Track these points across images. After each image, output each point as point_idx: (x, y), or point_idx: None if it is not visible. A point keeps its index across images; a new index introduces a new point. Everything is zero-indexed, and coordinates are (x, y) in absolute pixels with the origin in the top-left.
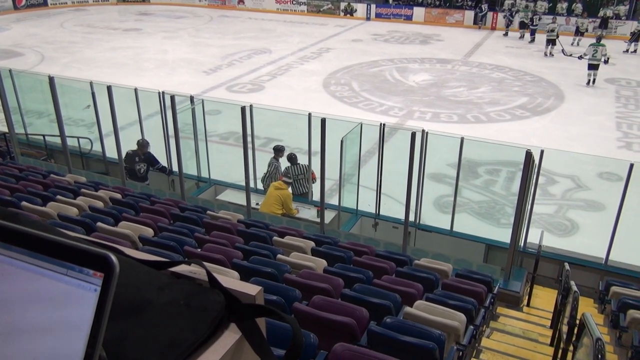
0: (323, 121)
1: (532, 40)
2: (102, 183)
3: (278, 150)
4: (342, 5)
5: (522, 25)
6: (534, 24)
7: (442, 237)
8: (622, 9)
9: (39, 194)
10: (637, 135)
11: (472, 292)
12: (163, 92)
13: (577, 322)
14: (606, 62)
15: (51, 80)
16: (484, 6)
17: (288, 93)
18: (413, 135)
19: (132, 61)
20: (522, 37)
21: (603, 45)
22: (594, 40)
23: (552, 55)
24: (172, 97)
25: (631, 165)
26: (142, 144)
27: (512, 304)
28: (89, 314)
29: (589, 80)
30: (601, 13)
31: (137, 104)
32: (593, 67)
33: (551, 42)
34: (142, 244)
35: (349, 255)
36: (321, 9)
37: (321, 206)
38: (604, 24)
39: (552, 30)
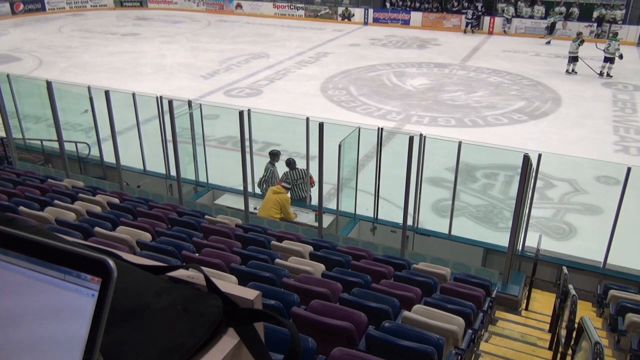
0: (321, 125)
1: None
2: (100, 188)
3: (274, 155)
4: (340, 9)
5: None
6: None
7: (440, 241)
8: (619, 13)
9: (36, 198)
10: (634, 139)
11: (471, 296)
12: (161, 97)
13: (576, 325)
14: (621, 57)
15: (49, 84)
16: (469, 12)
17: (286, 97)
18: (411, 139)
19: (130, 66)
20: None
21: (617, 40)
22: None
23: (576, 72)
24: (170, 102)
25: (628, 169)
26: None
27: (510, 307)
28: (87, 319)
29: (601, 72)
30: (596, 14)
31: (135, 109)
32: (607, 59)
33: (574, 59)
34: (140, 248)
35: (347, 260)
36: (319, 14)
37: (319, 210)
38: (599, 22)
39: (579, 42)
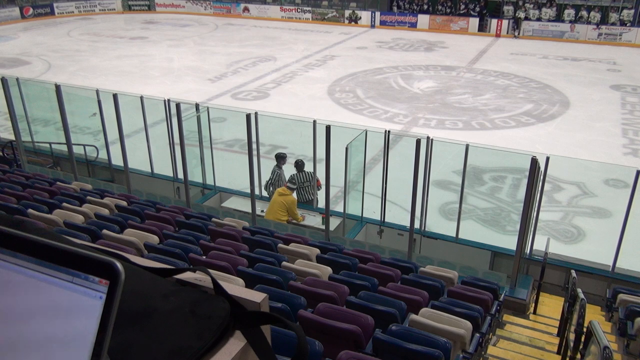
0: (328, 128)
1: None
2: (108, 190)
3: (280, 158)
4: (347, 13)
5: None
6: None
7: (447, 244)
8: (626, 12)
9: (45, 201)
10: None
11: (478, 299)
12: (169, 100)
13: (585, 330)
14: None
15: (58, 88)
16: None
17: (293, 100)
18: (418, 142)
19: (137, 69)
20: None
21: None
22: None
23: None
24: (178, 105)
25: (637, 172)
26: None
27: (518, 311)
28: (95, 321)
29: None
30: (594, 15)
31: (143, 112)
32: None
33: None
34: (147, 251)
35: (354, 263)
36: (326, 17)
37: (326, 213)
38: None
39: None
